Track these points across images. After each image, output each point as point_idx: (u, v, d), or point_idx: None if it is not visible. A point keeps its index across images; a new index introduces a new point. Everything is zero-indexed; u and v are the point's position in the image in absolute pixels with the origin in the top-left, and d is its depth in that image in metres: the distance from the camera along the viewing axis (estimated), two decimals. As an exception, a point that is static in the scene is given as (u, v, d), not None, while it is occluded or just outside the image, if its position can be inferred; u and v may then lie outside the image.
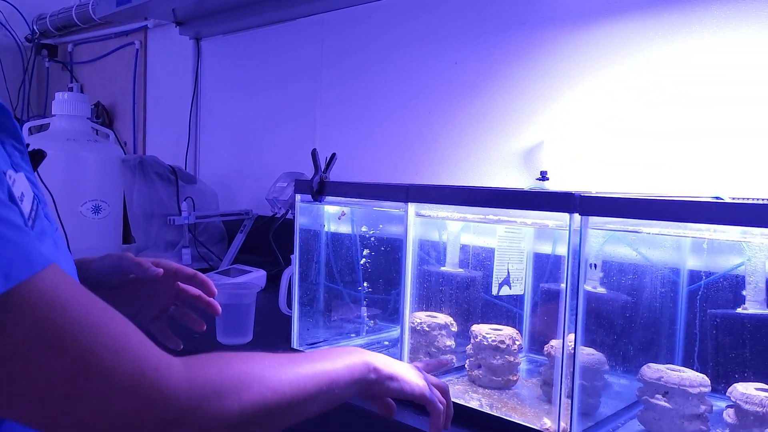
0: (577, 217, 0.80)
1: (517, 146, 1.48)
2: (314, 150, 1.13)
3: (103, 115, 2.80)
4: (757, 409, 0.79)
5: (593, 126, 1.35)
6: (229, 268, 1.81)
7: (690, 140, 1.22)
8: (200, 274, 0.91)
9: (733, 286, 1.01)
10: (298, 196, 1.20)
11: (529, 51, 1.47)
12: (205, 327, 0.93)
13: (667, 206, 0.74)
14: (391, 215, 1.25)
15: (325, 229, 1.32)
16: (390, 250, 1.31)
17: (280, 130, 2.11)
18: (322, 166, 1.14)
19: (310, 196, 1.16)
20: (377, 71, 1.80)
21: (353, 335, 1.36)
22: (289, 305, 1.31)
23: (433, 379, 0.82)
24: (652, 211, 0.75)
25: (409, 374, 0.76)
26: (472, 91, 1.57)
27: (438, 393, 0.80)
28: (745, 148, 1.16)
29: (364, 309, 1.37)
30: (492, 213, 0.95)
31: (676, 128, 1.24)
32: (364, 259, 1.34)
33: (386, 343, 1.32)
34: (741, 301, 0.98)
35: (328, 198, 1.15)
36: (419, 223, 1.05)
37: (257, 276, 1.73)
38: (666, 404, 0.86)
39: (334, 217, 1.32)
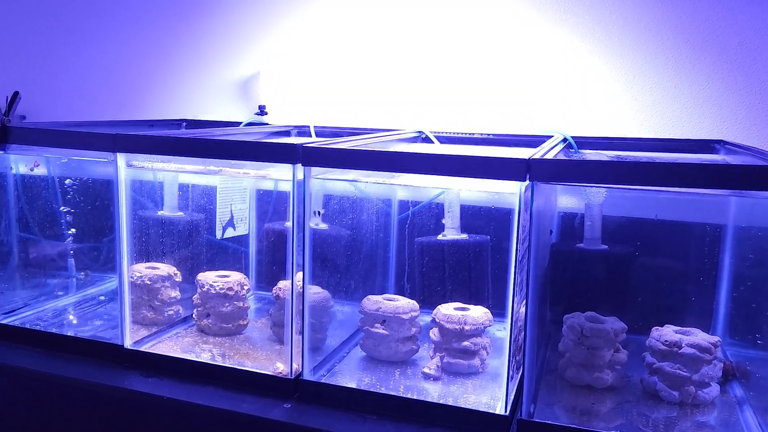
0: (300, 167, 0.81)
1: (232, 76, 1.42)
2: (-11, 88, 0.94)
3: None
4: (456, 326, 0.92)
5: (309, 58, 1.36)
6: None
7: (398, 75, 1.30)
8: None
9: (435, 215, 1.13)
10: (-28, 144, 0.99)
11: (240, -25, 1.39)
12: None
13: (382, 157, 0.78)
14: (97, 163, 1.12)
15: (13, 170, 1.13)
16: (96, 194, 1.18)
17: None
18: (2, 108, 0.95)
19: (-12, 143, 0.97)
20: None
21: (61, 293, 1.21)
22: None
23: None
24: (369, 162, 0.79)
25: None
26: (181, 15, 1.45)
27: None
28: (446, 86, 1.28)
29: (71, 261, 1.23)
30: (213, 164, 0.90)
31: (386, 63, 1.31)
32: (64, 209, 1.18)
33: (102, 298, 1.21)
34: (441, 228, 1.11)
35: (16, 147, 0.98)
36: (131, 172, 0.95)
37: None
38: (384, 331, 0.95)
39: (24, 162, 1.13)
